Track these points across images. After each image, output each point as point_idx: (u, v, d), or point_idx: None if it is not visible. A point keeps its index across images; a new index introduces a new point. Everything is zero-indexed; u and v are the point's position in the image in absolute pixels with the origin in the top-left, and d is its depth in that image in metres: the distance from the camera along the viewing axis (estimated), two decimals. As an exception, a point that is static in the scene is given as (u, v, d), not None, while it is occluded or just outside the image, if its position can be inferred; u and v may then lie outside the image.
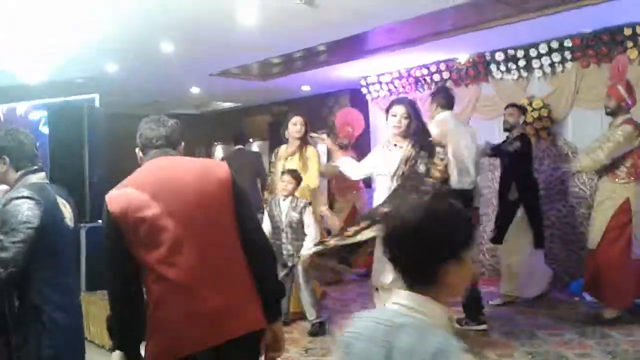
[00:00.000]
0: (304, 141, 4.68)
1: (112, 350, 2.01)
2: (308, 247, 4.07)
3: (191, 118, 10.67)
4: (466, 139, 4.19)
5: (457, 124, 4.31)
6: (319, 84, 7.82)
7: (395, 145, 3.53)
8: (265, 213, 4.33)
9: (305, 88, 8.19)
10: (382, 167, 3.51)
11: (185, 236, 1.92)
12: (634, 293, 4.23)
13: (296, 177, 4.26)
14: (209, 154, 12.12)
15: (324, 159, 6.12)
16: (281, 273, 4.18)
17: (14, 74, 6.04)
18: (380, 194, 3.47)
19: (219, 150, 12.25)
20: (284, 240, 4.21)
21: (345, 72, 6.98)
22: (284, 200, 4.24)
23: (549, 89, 5.67)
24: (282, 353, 2.16)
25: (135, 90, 7.66)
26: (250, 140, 11.08)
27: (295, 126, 4.66)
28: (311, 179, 4.52)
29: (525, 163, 4.97)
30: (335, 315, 4.64)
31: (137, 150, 2.15)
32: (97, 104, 5.90)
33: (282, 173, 4.35)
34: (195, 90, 8.05)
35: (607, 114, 4.38)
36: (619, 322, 4.12)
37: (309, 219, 4.20)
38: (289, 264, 4.23)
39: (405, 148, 3.45)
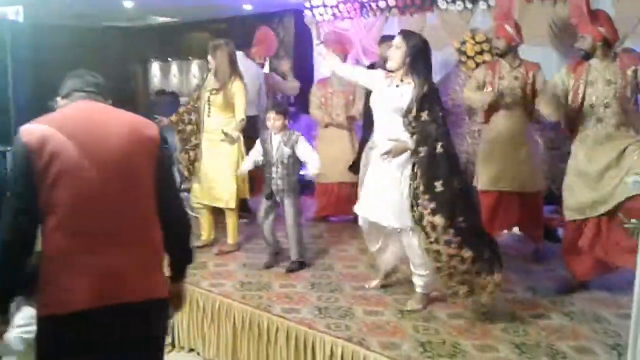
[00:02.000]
0: (230, 73, 4.36)
1: None
2: (315, 166, 4.03)
3: (123, 32, 10.11)
4: None
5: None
6: (262, 3, 7.51)
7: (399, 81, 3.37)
8: (258, 144, 4.18)
9: (247, 7, 7.86)
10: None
11: (100, 189, 1.85)
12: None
13: (281, 111, 4.09)
14: (145, 71, 11.65)
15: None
16: (266, 204, 4.17)
17: None
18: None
19: (155, 68, 11.78)
20: (274, 174, 4.09)
21: (290, -9, 6.72)
22: (275, 135, 4.09)
23: (492, 23, 5.65)
24: (180, 310, 2.31)
25: (63, 1, 7.12)
26: (190, 58, 10.71)
27: (214, 54, 4.38)
28: (241, 114, 4.30)
29: None
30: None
31: (57, 99, 2.04)
32: (20, 17, 5.44)
33: (268, 110, 4.23)
34: (128, 3, 7.57)
35: (498, 55, 4.42)
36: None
37: (303, 147, 4.06)
38: (277, 199, 4.14)
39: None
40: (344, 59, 5.34)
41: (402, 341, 3.08)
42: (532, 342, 3.07)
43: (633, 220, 2.14)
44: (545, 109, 3.82)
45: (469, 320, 3.34)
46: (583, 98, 3.62)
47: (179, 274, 2.17)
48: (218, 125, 4.35)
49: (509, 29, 4.28)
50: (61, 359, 1.87)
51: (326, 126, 5.55)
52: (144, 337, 1.97)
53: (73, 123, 1.87)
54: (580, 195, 3.65)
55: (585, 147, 3.65)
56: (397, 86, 3.35)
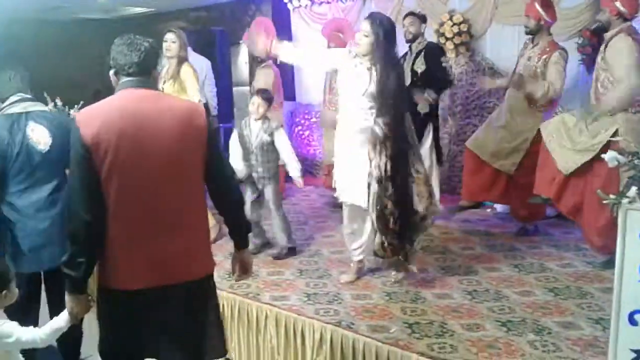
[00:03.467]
0: (180, 60, 4.34)
1: (69, 292, 2.06)
2: (296, 168, 4.03)
3: (98, 24, 9.95)
4: None
5: None
6: (238, -10, 7.43)
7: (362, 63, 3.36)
8: (235, 133, 4.17)
9: (224, -6, 7.78)
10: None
11: (151, 181, 1.96)
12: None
13: (266, 98, 4.07)
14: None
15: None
16: (252, 197, 4.14)
17: None
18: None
19: (132, 58, 11.62)
20: (253, 162, 4.08)
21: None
22: (255, 121, 4.07)
23: (469, 4, 5.67)
24: (249, 276, 2.49)
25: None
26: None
27: (165, 43, 4.31)
28: (192, 99, 4.19)
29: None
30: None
31: (111, 72, 2.08)
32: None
33: (251, 95, 4.17)
34: (102, -6, 7.44)
35: (527, 33, 4.31)
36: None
37: (282, 141, 4.05)
38: (259, 186, 4.12)
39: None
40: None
41: (391, 324, 3.11)
42: (518, 319, 3.12)
43: (611, 196, 2.17)
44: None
45: (455, 300, 3.38)
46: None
47: (242, 241, 2.32)
48: None
49: (538, 7, 4.18)
50: (118, 328, 2.06)
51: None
52: (192, 312, 2.11)
53: (128, 114, 1.94)
54: None
55: None
56: (368, 69, 3.31)
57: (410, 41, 4.83)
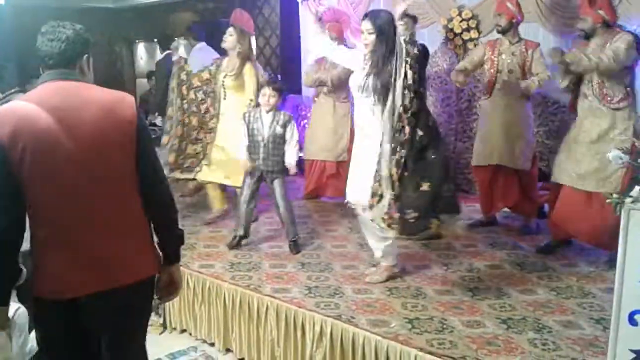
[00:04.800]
0: (243, 57, 4.51)
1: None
2: (294, 155, 4.04)
3: (107, 13, 9.96)
4: None
5: None
6: (247, -18, 7.41)
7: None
8: (243, 125, 4.12)
9: (232, -15, 7.75)
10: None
11: (75, 178, 1.82)
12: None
13: (277, 88, 4.07)
14: (130, 52, 11.50)
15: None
16: (251, 187, 4.12)
17: None
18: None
19: (141, 49, 11.62)
20: (262, 154, 4.02)
21: (275, -30, 6.63)
22: (266, 113, 4.04)
23: (478, 0, 5.63)
24: (176, 296, 2.22)
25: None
26: (175, 38, 10.57)
27: (224, 35, 4.54)
28: (251, 94, 4.44)
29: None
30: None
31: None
32: (2, 0, 5.34)
33: (261, 86, 4.20)
34: (111, -17, 7.44)
35: (499, 32, 4.41)
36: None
37: (293, 132, 4.04)
38: (267, 179, 4.09)
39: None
40: (341, 38, 5.29)
41: (391, 318, 3.11)
42: (518, 317, 3.12)
43: (614, 195, 2.16)
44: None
45: (456, 296, 3.38)
46: None
47: (171, 256, 2.12)
48: (234, 107, 4.49)
49: (510, 5, 4.30)
50: (53, 336, 1.94)
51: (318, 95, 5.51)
52: (128, 318, 2.00)
53: (44, 112, 1.79)
54: None
55: None
56: (364, 68, 3.36)
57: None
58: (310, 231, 4.65)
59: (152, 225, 2.05)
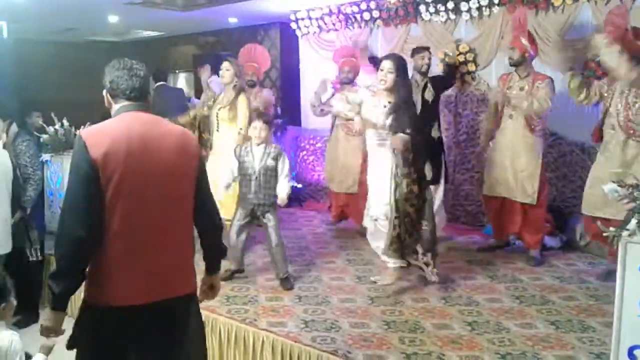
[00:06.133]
0: (238, 89, 4.61)
1: (51, 307, 2.03)
2: (286, 188, 4.04)
3: (110, 46, 10.10)
4: None
5: None
6: (247, 16, 7.52)
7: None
8: (234, 160, 4.11)
9: (233, 20, 7.87)
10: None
11: (151, 201, 2.01)
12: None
13: (268, 121, 4.13)
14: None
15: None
16: (242, 221, 4.09)
17: None
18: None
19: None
20: (254, 188, 4.01)
21: (274, 5, 6.73)
22: (257, 146, 4.06)
23: (475, 33, 5.71)
24: (213, 297, 2.48)
25: (47, 16, 7.10)
26: (176, 71, 10.71)
27: (221, 71, 4.65)
28: (241, 123, 4.53)
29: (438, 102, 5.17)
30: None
31: (104, 92, 2.13)
32: (4, 33, 5.42)
33: (252, 120, 4.27)
34: (113, 18, 7.56)
35: (511, 65, 4.54)
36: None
37: (285, 164, 4.05)
38: (258, 213, 4.06)
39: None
40: (355, 73, 5.44)
41: (388, 353, 3.06)
42: (518, 352, 3.06)
43: (611, 229, 2.14)
44: None
45: (455, 331, 3.33)
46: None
47: (215, 266, 2.39)
48: (227, 138, 4.55)
49: (524, 40, 4.40)
50: (111, 345, 2.03)
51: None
52: (181, 329, 2.14)
53: (132, 137, 1.99)
54: None
55: None
56: (385, 106, 3.69)
57: (425, 73, 5.04)
58: (308, 263, 4.61)
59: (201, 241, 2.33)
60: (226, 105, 4.60)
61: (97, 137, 1.96)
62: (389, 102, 3.69)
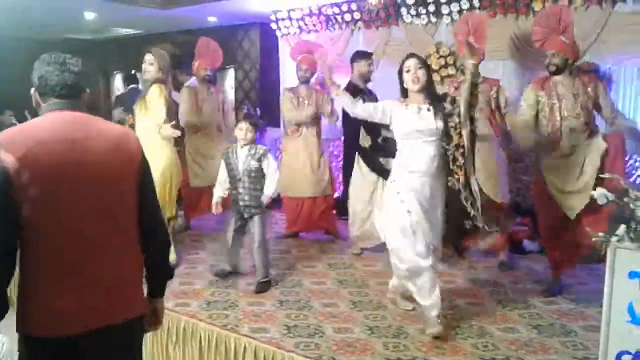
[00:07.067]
0: (153, 82, 4.17)
1: None
2: (270, 191, 3.95)
3: (86, 44, 9.91)
4: None
5: None
6: (227, 15, 7.44)
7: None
8: (222, 162, 4.07)
9: (212, 19, 7.78)
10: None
11: (84, 210, 1.78)
12: None
13: (254, 123, 4.02)
14: (108, 84, 11.43)
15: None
16: (235, 225, 4.06)
17: None
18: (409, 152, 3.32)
19: (118, 80, 11.57)
20: (240, 190, 3.97)
21: (255, 4, 6.67)
22: (242, 147, 3.99)
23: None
24: (159, 327, 2.18)
25: (21, 12, 6.92)
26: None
27: (143, 64, 4.23)
28: (158, 116, 4.09)
29: None
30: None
31: (32, 91, 1.91)
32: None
33: (238, 121, 4.15)
34: (89, 15, 7.41)
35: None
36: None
37: (270, 165, 3.97)
38: (245, 215, 4.02)
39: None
40: (313, 69, 5.24)
41: (372, 359, 3.03)
42: (501, 357, 3.05)
43: (600, 234, 2.14)
44: (522, 140, 4.00)
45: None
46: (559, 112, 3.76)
47: (160, 289, 2.10)
48: (142, 133, 3.93)
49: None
50: None
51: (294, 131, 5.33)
52: (122, 355, 1.93)
53: (56, 138, 1.76)
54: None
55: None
56: (429, 110, 3.28)
57: (369, 80, 4.99)
58: (289, 267, 4.55)
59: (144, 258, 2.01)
60: (140, 99, 4.20)
61: (11, 140, 1.70)
62: (428, 103, 3.29)
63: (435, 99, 3.33)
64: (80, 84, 1.90)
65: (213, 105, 5.61)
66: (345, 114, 4.21)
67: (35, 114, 1.93)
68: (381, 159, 4.59)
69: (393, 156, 3.47)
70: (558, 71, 3.80)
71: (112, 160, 1.84)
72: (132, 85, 6.63)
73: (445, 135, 3.29)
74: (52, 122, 1.81)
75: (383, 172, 4.47)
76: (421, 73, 3.29)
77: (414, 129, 3.26)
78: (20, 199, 1.68)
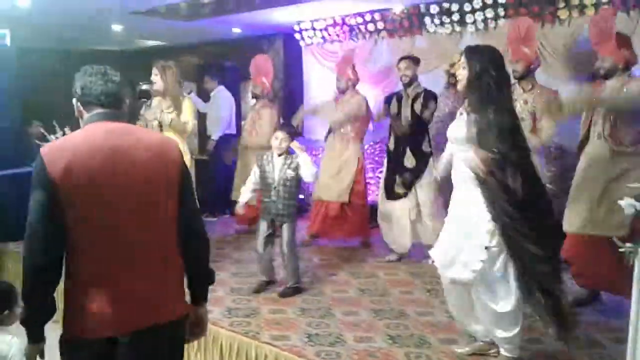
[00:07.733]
0: (180, 93, 4.50)
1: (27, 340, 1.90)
2: (311, 174, 4.02)
3: (113, 56, 10.09)
4: None
5: None
6: (251, 27, 7.51)
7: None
8: (256, 169, 4.12)
9: (236, 30, 7.86)
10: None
11: (123, 218, 1.82)
12: None
13: (291, 132, 4.05)
14: (134, 94, 11.61)
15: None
16: (265, 232, 4.09)
17: None
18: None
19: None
20: (274, 198, 4.00)
21: (279, 15, 6.72)
22: (278, 156, 4.02)
23: (481, 44, 5.67)
24: (202, 336, 2.18)
25: (51, 25, 7.09)
26: (180, 81, 10.72)
27: (153, 77, 4.50)
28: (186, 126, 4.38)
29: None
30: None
31: (74, 101, 1.95)
32: (7, 41, 5.40)
33: (275, 129, 4.29)
34: (117, 27, 7.55)
35: (515, 78, 4.13)
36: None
37: (305, 165, 3.97)
38: (277, 223, 4.05)
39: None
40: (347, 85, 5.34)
41: (394, 369, 3.00)
42: (524, 368, 3.01)
43: (627, 244, 2.09)
44: None
45: (461, 345, 3.26)
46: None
47: (202, 294, 2.11)
48: None
49: (528, 51, 4.15)
50: None
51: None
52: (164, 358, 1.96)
53: (100, 148, 1.80)
54: None
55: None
56: (461, 114, 2.99)
57: (407, 85, 4.84)
58: (311, 275, 4.55)
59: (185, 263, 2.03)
60: (173, 111, 4.34)
61: (56, 153, 1.77)
62: (469, 108, 2.91)
63: (477, 104, 2.88)
64: (121, 93, 1.95)
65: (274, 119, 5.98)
66: None
67: (76, 123, 1.98)
68: None
69: None
70: (607, 75, 3.70)
71: (154, 167, 1.88)
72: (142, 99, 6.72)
73: None
74: (90, 134, 1.85)
75: None
76: (463, 74, 2.92)
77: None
78: (66, 208, 1.75)
